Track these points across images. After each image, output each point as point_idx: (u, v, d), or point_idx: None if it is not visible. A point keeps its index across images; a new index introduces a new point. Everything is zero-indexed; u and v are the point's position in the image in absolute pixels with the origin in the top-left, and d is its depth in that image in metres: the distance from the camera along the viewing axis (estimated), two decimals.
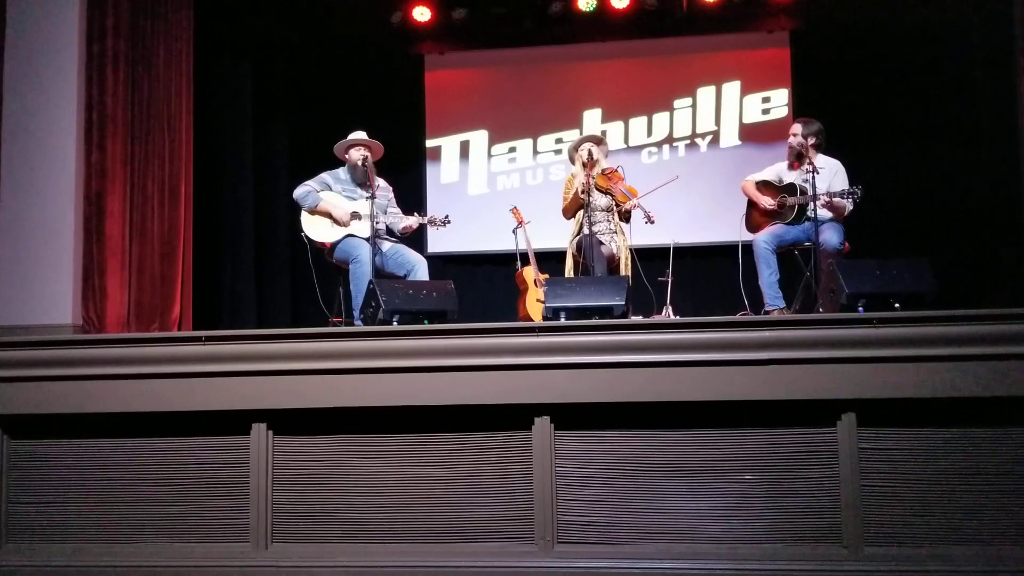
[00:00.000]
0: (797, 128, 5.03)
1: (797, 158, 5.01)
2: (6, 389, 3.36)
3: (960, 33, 6.51)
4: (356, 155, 4.99)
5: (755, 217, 5.16)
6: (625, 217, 5.30)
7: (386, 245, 4.99)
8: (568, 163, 5.53)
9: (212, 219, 6.64)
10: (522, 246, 6.18)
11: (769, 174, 5.18)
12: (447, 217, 5.01)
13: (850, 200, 4.77)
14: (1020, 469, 3.02)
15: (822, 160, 4.97)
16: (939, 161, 6.76)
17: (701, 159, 7.40)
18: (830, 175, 4.93)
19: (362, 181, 4.98)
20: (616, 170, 5.31)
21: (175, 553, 3.28)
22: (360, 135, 5.12)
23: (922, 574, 2.97)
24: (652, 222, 5.03)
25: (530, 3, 7.25)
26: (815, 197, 4.74)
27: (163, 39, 5.95)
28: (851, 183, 4.85)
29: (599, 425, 3.18)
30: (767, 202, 5.03)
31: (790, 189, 4.99)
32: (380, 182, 5.09)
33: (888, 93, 6.89)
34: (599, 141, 5.43)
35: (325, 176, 5.06)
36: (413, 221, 5.05)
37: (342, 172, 5.09)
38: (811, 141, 4.96)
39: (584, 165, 5.21)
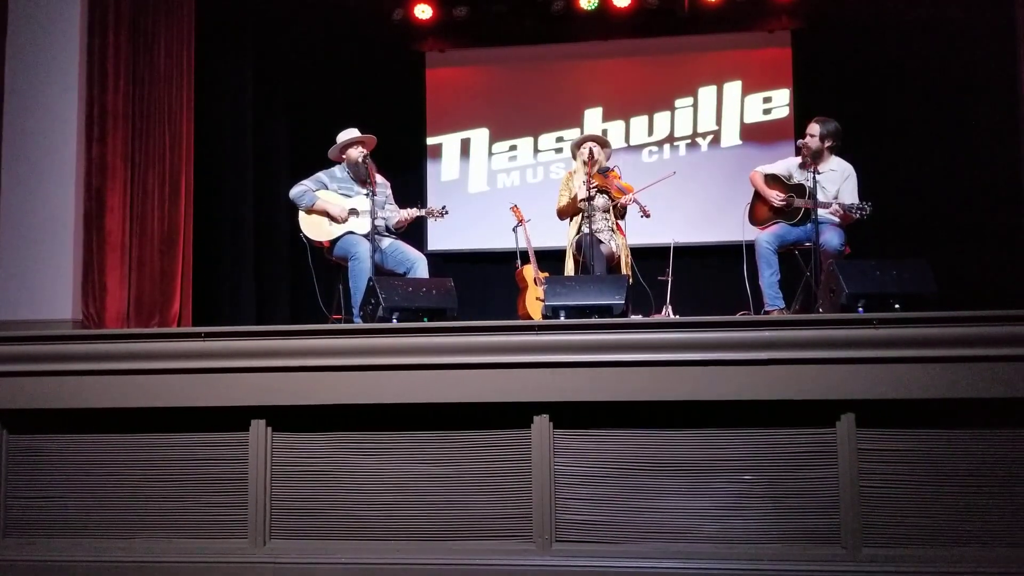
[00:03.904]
0: (815, 128, 4.95)
1: (814, 158, 4.94)
2: (5, 384, 3.35)
3: (961, 33, 6.50)
4: (355, 153, 4.98)
5: (759, 209, 5.13)
6: (620, 213, 5.28)
7: (385, 242, 4.98)
8: (571, 163, 5.52)
9: (212, 215, 6.63)
10: (522, 244, 6.18)
11: (779, 169, 5.11)
12: (444, 208, 5.00)
13: (858, 214, 4.73)
14: (1019, 471, 3.02)
15: (835, 163, 4.95)
16: (940, 161, 6.76)
17: (702, 158, 7.40)
18: (840, 179, 4.91)
19: (364, 178, 4.97)
20: (613, 169, 5.31)
21: (173, 549, 3.28)
22: (351, 133, 5.08)
23: (920, 575, 2.98)
24: (648, 215, 5.02)
25: (532, 1, 7.25)
26: (815, 204, 4.73)
27: (164, 34, 5.95)
28: (860, 194, 4.85)
29: (598, 424, 3.18)
30: (776, 196, 4.98)
31: (799, 190, 4.95)
32: (379, 178, 5.09)
33: (889, 93, 6.90)
34: (604, 143, 5.41)
35: (321, 175, 5.05)
36: (408, 213, 5.03)
37: (338, 170, 5.07)
38: (827, 143, 4.93)
39: (584, 163, 5.22)
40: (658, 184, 5.47)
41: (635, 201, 5.08)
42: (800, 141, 5.10)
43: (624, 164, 5.47)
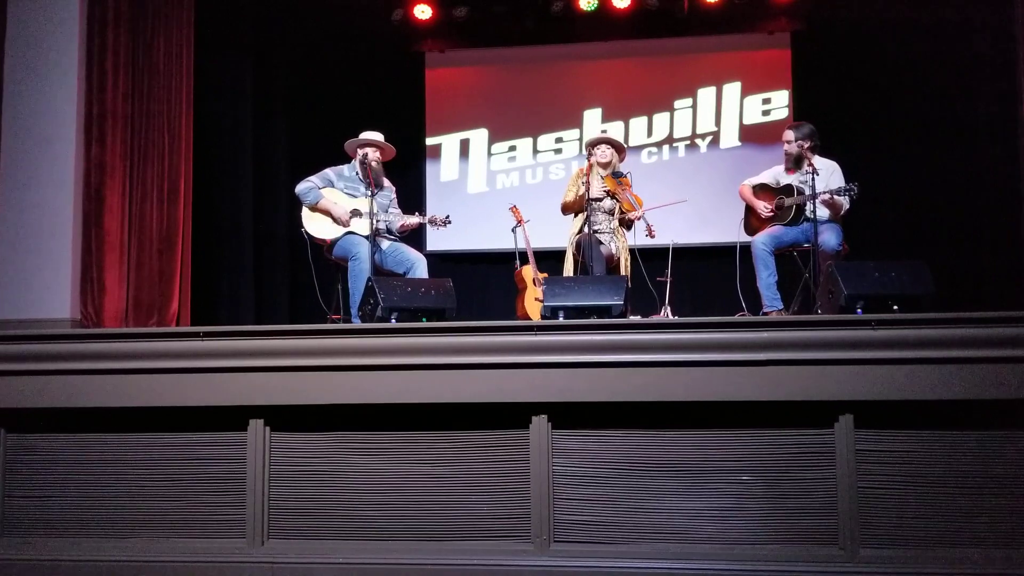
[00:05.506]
0: (789, 135, 5.04)
1: (795, 163, 5.00)
2: (4, 383, 3.35)
3: (961, 34, 6.50)
4: (372, 155, 5.00)
5: (753, 221, 5.18)
6: (626, 225, 5.32)
7: (385, 243, 4.99)
8: (570, 163, 5.55)
9: (211, 215, 6.63)
10: (521, 245, 6.17)
11: (766, 177, 5.19)
12: (448, 217, 5.01)
13: (847, 197, 4.77)
14: (1016, 472, 3.02)
15: (818, 161, 4.98)
16: (939, 163, 6.75)
17: (701, 160, 7.40)
18: (827, 175, 4.94)
19: (375, 180, 4.98)
20: (626, 176, 5.34)
21: (171, 548, 3.28)
22: (377, 135, 5.11)
23: None
24: (653, 236, 5.10)
25: (531, 2, 7.25)
26: (814, 196, 4.75)
27: (163, 34, 5.94)
28: (847, 181, 4.86)
29: (596, 424, 3.18)
30: (763, 207, 5.04)
31: (787, 190, 4.99)
32: (385, 182, 5.11)
33: (888, 95, 6.89)
34: (619, 148, 5.43)
35: (328, 172, 5.05)
36: (413, 220, 5.05)
37: (347, 169, 5.08)
38: (807, 144, 4.97)
39: (598, 163, 5.26)
40: (659, 188, 5.51)
41: (643, 219, 5.13)
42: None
43: (624, 165, 5.48)
